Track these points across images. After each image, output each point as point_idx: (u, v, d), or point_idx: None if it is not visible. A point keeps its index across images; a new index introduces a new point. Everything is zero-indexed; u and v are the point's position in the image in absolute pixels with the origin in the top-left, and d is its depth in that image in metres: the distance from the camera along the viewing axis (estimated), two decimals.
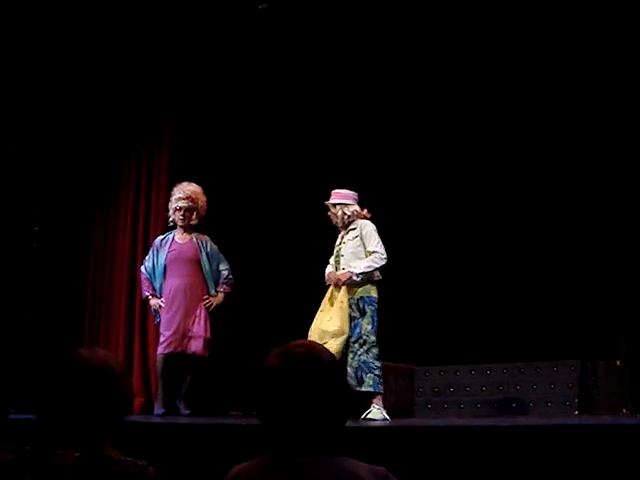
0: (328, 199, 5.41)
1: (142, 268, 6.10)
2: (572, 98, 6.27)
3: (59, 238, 7.00)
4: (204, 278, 6.00)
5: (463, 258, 6.71)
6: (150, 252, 6.10)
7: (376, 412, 4.97)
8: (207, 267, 6.00)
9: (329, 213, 5.42)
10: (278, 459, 1.70)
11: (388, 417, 5.02)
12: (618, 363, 5.60)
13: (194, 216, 6.02)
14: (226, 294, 6.06)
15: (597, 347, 5.93)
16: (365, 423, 4.71)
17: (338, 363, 1.77)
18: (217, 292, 6.04)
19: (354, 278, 5.12)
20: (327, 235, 7.09)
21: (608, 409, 5.58)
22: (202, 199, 6.04)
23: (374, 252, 5.19)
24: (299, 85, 7.13)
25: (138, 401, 6.34)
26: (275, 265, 7.34)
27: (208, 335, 5.86)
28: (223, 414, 6.03)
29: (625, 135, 6.04)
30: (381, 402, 5.08)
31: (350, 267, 5.16)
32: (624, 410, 5.39)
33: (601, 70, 6.09)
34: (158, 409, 5.79)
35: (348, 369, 5.01)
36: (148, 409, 6.19)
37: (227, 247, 6.27)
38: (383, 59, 6.88)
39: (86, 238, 7.09)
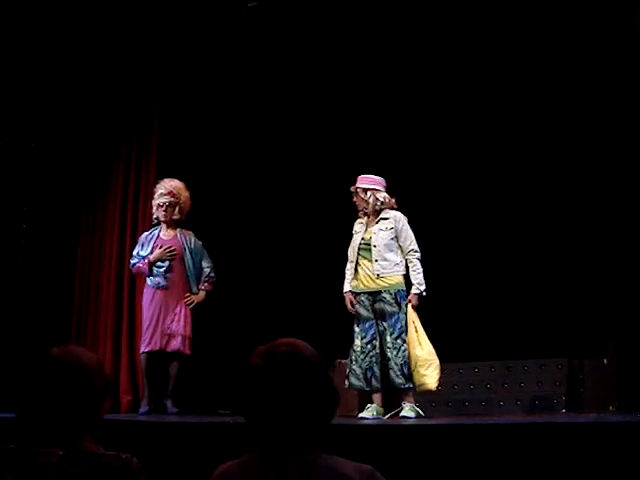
0: (349, 186, 5.22)
1: (133, 260, 6.05)
2: (586, 102, 6.26)
3: (47, 235, 6.95)
4: (187, 275, 5.98)
5: (451, 257, 6.69)
6: (137, 246, 6.10)
7: (411, 409, 4.90)
8: (190, 264, 5.98)
9: (355, 199, 5.22)
10: (263, 458, 1.69)
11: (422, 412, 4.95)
12: (605, 362, 5.61)
13: (176, 211, 6.01)
14: (207, 292, 6.04)
15: (585, 346, 5.95)
16: (390, 422, 4.72)
17: (323, 362, 1.76)
18: (198, 290, 6.02)
19: (422, 295, 5.10)
20: (315, 235, 7.08)
21: (595, 407, 5.59)
22: (184, 194, 6.04)
23: (413, 250, 5.18)
24: (286, 88, 7.10)
25: (125, 399, 6.31)
26: (260, 262, 7.32)
27: (188, 333, 5.83)
28: (211, 412, 6.01)
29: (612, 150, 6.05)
30: (412, 398, 5.02)
31: (412, 285, 5.08)
32: (611, 408, 5.41)
33: (601, 70, 6.10)
34: (143, 407, 5.80)
35: (394, 367, 4.94)
36: (136, 407, 6.17)
37: (212, 246, 6.25)
38: (373, 57, 6.85)
39: (74, 236, 7.04)
